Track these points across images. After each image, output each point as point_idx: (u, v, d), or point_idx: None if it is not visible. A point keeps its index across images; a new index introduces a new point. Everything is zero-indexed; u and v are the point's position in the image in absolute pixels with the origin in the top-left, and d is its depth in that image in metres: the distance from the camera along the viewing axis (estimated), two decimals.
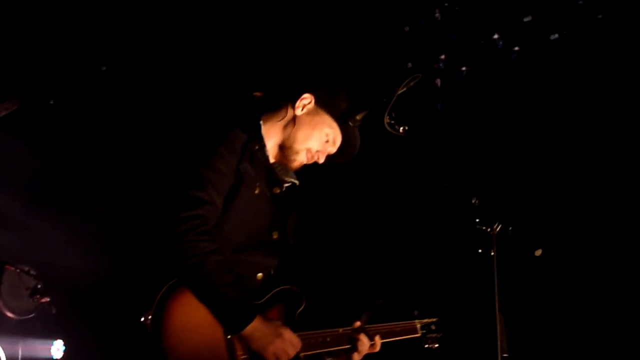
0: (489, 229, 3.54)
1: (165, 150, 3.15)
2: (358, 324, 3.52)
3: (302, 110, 3.41)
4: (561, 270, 5.41)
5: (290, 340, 3.15)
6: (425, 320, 3.69)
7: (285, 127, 3.40)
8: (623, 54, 5.80)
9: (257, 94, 3.49)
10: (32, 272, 6.25)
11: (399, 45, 6.24)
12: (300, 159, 3.43)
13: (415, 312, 3.71)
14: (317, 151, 3.44)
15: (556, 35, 6.03)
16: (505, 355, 3.47)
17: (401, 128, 3.55)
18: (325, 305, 3.52)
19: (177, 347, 2.96)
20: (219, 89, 6.43)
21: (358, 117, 3.56)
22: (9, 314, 7.71)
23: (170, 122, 6.60)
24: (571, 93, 5.97)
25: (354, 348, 3.46)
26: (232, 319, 3.04)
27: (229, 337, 3.06)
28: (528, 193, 5.78)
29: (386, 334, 3.57)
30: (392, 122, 3.53)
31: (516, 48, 6.16)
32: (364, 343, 3.46)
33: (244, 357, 3.09)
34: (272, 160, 3.41)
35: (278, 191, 3.37)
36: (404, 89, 3.58)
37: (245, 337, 3.06)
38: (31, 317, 7.82)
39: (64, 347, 7.89)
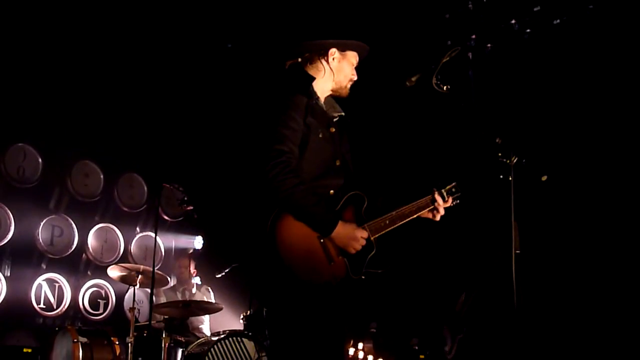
0: (508, 161, 3.50)
1: (257, 120, 3.18)
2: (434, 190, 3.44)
3: (334, 61, 3.38)
4: (561, 190, 5.37)
5: (360, 234, 3.16)
6: (448, 187, 3.49)
7: (328, 77, 3.38)
8: (607, 34, 5.69)
9: (291, 61, 3.43)
10: (180, 188, 6.34)
11: (443, 27, 6.20)
12: (348, 89, 3.45)
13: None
14: (353, 75, 3.44)
15: (558, 21, 5.91)
16: (518, 251, 3.43)
17: (445, 87, 3.50)
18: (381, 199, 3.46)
19: (287, 250, 3.02)
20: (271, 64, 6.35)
21: (413, 79, 3.51)
22: (166, 218, 7.93)
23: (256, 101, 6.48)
24: (568, 62, 5.86)
25: (435, 208, 3.42)
26: (322, 228, 3.08)
27: (322, 240, 3.10)
28: (538, 134, 5.74)
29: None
30: (439, 82, 3.48)
31: (528, 30, 6.04)
32: (440, 202, 3.42)
33: (333, 251, 3.12)
34: (322, 101, 3.37)
35: (333, 130, 3.33)
36: (447, 58, 3.52)
37: (333, 238, 3.09)
38: (180, 220, 8.04)
39: (202, 241, 8.10)
